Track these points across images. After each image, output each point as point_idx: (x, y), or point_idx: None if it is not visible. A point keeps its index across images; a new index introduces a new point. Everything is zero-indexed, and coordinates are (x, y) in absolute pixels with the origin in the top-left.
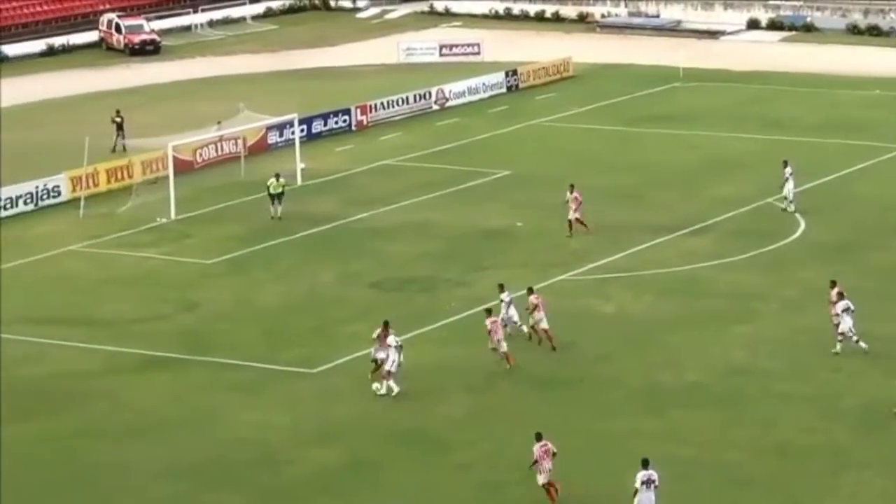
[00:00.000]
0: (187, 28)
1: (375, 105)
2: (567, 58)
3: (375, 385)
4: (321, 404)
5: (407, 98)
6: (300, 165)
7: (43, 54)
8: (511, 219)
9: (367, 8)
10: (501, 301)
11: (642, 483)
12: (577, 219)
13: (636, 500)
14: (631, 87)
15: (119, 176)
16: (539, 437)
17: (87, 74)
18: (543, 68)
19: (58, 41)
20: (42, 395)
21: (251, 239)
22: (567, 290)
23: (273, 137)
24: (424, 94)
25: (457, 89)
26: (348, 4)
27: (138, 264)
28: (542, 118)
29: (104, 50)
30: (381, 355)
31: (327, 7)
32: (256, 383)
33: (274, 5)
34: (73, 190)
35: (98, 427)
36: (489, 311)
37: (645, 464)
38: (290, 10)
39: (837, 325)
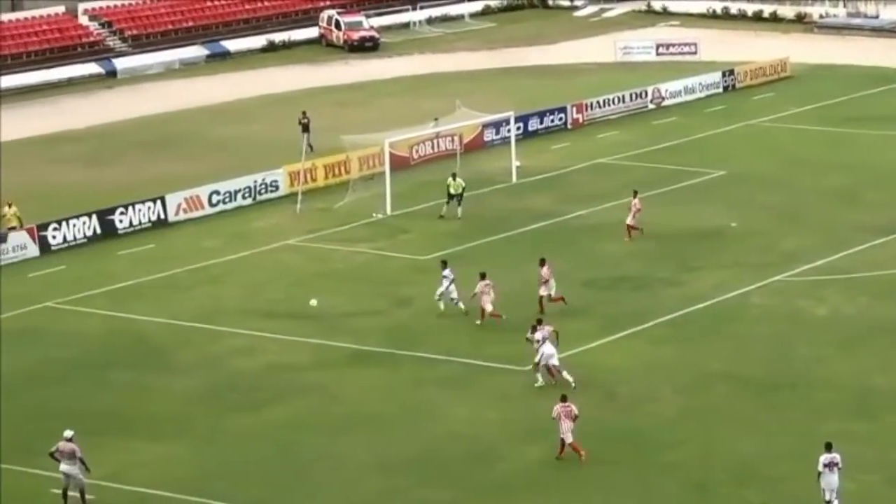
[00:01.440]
0: (406, 25)
1: (591, 103)
2: (784, 58)
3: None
4: (531, 401)
5: (623, 97)
6: (515, 163)
7: (264, 50)
8: (725, 219)
9: (584, 6)
10: (443, 277)
11: (825, 465)
12: (630, 224)
13: (820, 482)
14: (848, 88)
15: (336, 171)
16: (564, 399)
17: (306, 70)
18: (760, 68)
19: (278, 37)
20: (258, 387)
21: (466, 235)
22: (780, 291)
23: (489, 135)
24: (640, 93)
25: (673, 88)
26: (566, 3)
27: (353, 259)
28: (758, 118)
29: (324, 46)
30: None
31: (545, 5)
32: (466, 379)
33: (492, 3)
34: (291, 184)
35: (311, 420)
36: (483, 275)
37: (828, 447)
38: (509, 8)
39: None
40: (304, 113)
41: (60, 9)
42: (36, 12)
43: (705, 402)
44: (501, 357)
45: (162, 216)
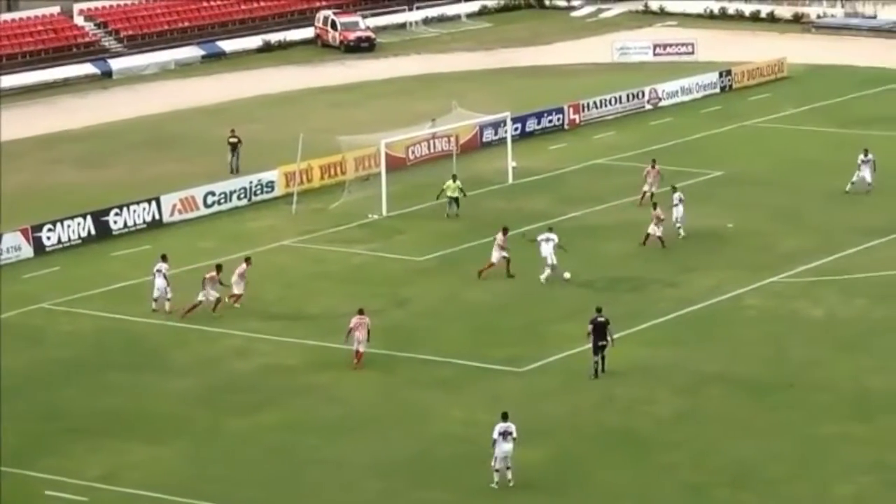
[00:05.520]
0: (402, 25)
1: (588, 104)
2: (781, 58)
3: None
4: (528, 403)
5: (620, 97)
6: (511, 164)
7: (259, 50)
8: (722, 220)
9: (581, 6)
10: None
11: (499, 434)
12: (650, 192)
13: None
14: (846, 89)
15: (332, 172)
16: (361, 312)
17: (302, 71)
18: (757, 69)
19: (274, 37)
20: (253, 389)
21: (462, 236)
22: (777, 292)
23: (486, 136)
24: (637, 94)
25: (670, 89)
26: (563, 3)
27: (349, 260)
28: (755, 119)
29: (319, 46)
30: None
31: (542, 5)
32: (464, 381)
33: (489, 3)
34: (287, 185)
35: (307, 422)
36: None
37: (504, 416)
38: (505, 9)
39: None
40: (232, 131)
41: (56, 9)
42: (31, 13)
43: (701, 404)
44: (498, 359)
45: (157, 217)
